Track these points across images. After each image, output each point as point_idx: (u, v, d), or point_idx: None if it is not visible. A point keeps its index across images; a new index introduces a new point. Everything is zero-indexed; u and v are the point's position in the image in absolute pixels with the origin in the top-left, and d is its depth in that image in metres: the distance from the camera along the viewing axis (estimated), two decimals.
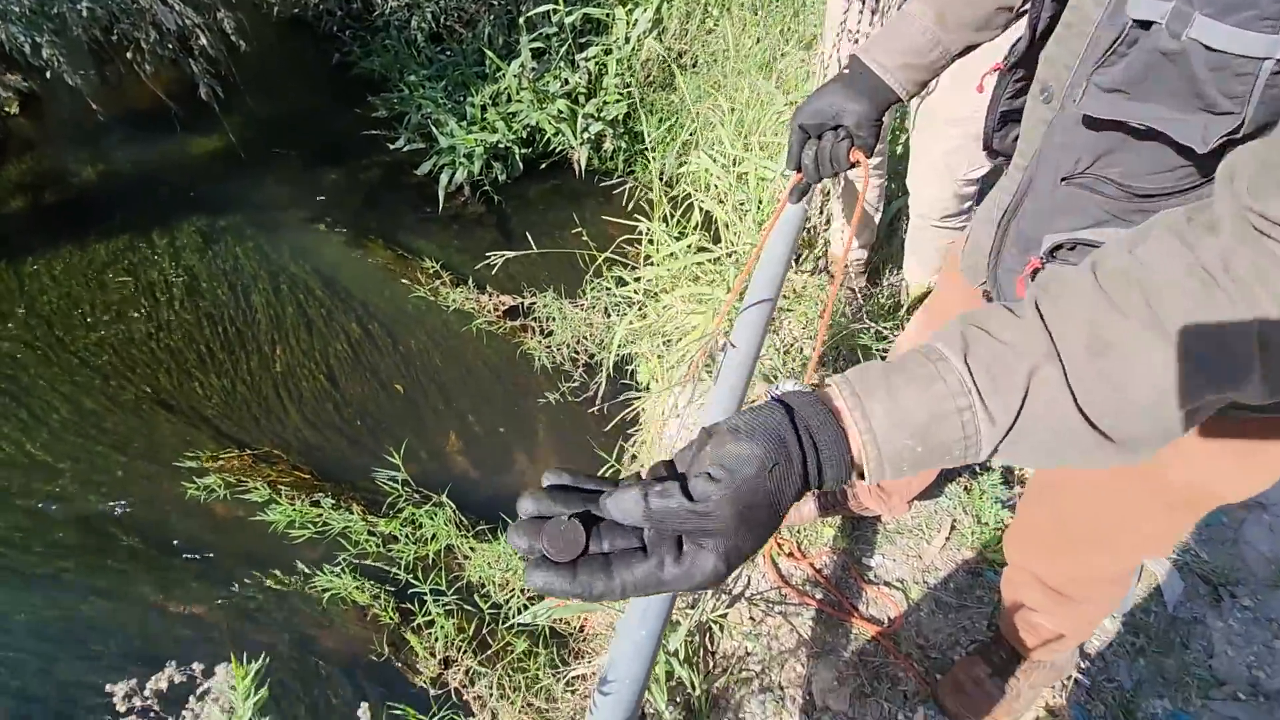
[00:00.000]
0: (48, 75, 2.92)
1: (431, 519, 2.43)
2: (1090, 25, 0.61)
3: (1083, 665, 1.41)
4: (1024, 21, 0.75)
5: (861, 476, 0.48)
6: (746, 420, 0.47)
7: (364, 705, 1.11)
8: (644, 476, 0.49)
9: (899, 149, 2.40)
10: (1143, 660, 1.41)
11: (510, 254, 2.67)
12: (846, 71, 0.96)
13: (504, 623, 2.16)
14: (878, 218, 1.91)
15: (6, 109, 3.88)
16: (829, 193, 1.94)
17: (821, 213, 2.16)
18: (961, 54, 0.94)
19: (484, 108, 3.61)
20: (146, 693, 1.05)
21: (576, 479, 0.48)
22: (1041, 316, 0.46)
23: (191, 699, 0.96)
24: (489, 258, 2.80)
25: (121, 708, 1.01)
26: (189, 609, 2.46)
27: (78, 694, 2.24)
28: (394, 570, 2.34)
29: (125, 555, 2.55)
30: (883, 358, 1.59)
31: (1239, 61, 0.49)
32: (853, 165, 0.98)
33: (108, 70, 3.57)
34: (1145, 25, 0.55)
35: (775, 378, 1.74)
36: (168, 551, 2.56)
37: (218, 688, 1.03)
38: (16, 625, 2.39)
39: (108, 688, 1.02)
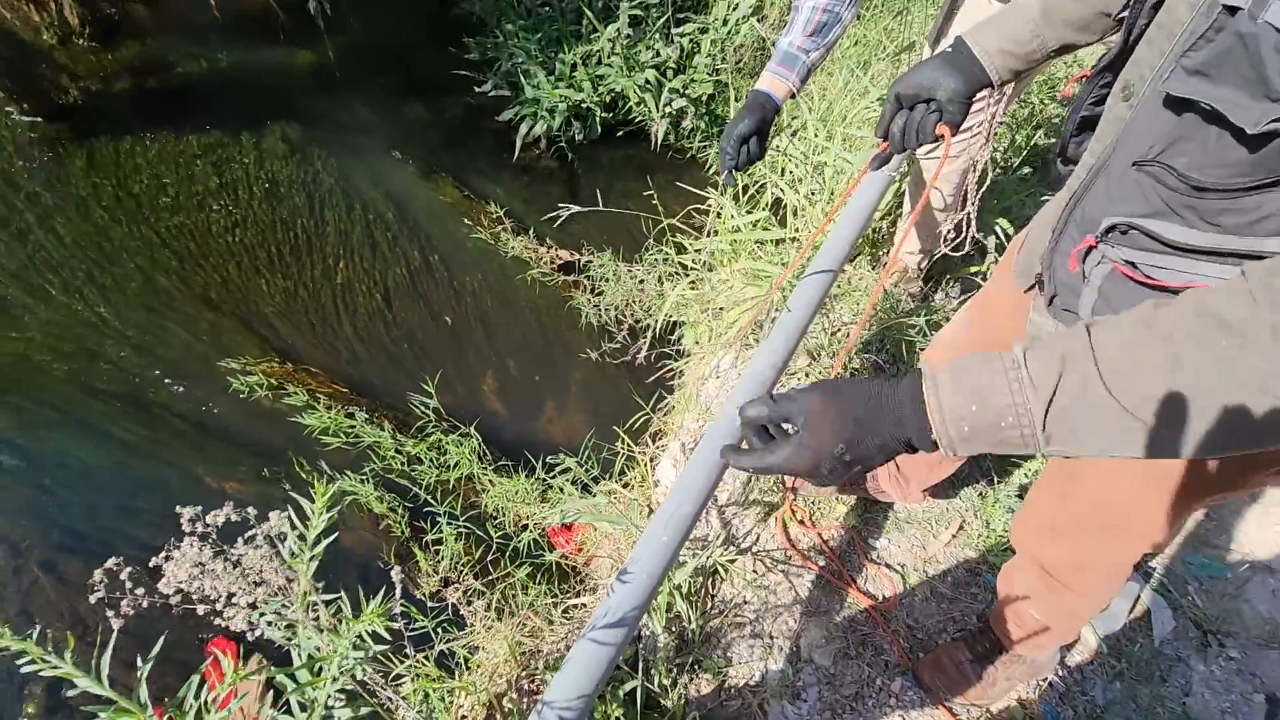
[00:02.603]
0: None
1: (457, 447, 2.54)
2: (1179, 26, 0.66)
3: (1060, 673, 1.46)
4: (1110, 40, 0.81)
5: (936, 446, 0.61)
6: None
7: (395, 569, 1.21)
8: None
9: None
10: (1119, 684, 1.45)
11: (577, 208, 2.75)
12: (950, 50, 1.02)
13: (509, 554, 2.25)
14: (956, 220, 1.95)
15: None
16: (903, 193, 1.98)
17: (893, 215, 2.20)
18: (1059, 51, 0.98)
19: (574, 66, 3.68)
20: (209, 520, 1.16)
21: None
22: (1087, 329, 0.56)
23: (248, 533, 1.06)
24: (557, 210, 2.88)
25: (186, 528, 1.12)
26: (222, 484, 2.62)
27: (114, 540, 2.41)
28: (414, 489, 2.46)
29: (172, 426, 2.71)
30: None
31: None
32: (937, 139, 1.04)
33: None
34: (1232, 11, 0.59)
35: (819, 354, 1.81)
36: (210, 431, 2.72)
37: (272, 527, 1.12)
38: (71, 467, 2.57)
39: (177, 509, 1.13)
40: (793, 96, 1.39)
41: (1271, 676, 1.48)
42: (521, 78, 3.69)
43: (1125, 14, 0.76)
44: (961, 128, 1.18)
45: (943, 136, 1.04)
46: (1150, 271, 0.74)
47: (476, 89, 3.92)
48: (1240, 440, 0.50)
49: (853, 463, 0.64)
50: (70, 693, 0.74)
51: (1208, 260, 0.70)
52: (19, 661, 0.75)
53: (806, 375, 1.81)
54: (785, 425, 0.69)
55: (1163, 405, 0.51)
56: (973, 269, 2.13)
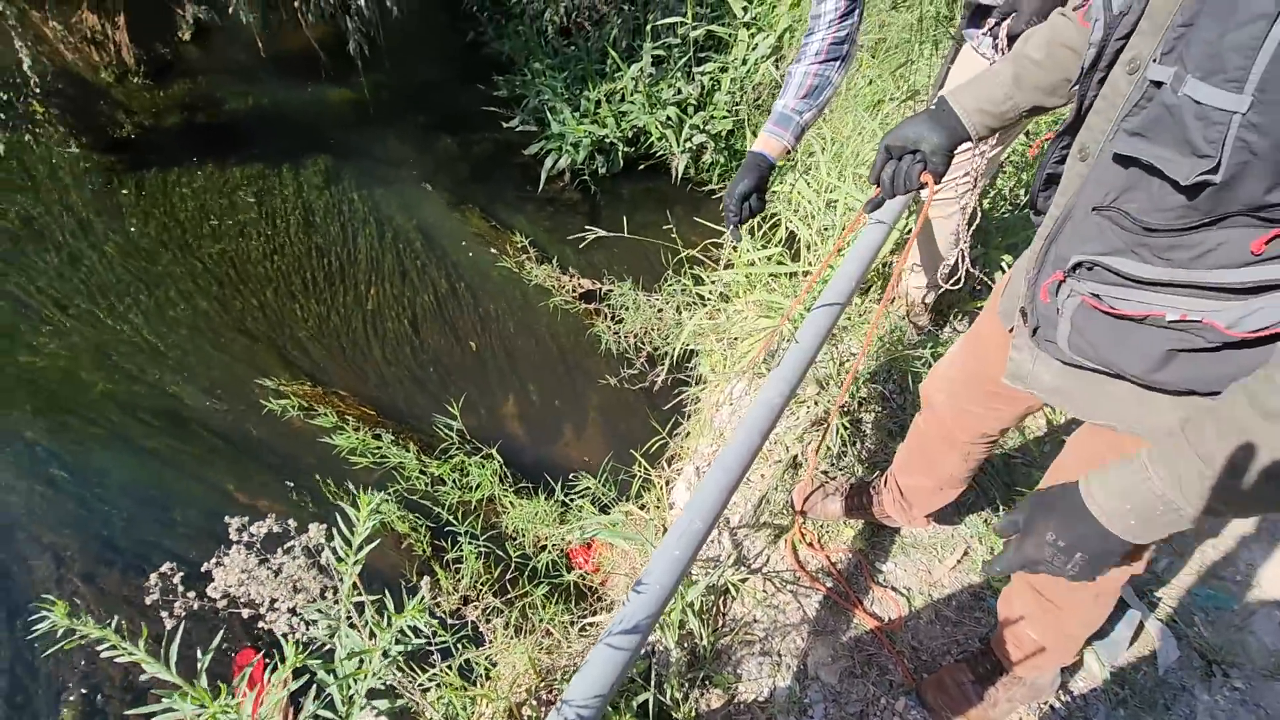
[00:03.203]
0: (229, 11, 3.28)
1: (479, 469, 2.61)
2: (1120, 97, 0.78)
3: (1064, 698, 1.49)
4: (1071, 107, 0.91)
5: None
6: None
7: (425, 579, 1.28)
8: None
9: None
10: (1123, 710, 1.47)
11: (601, 232, 2.85)
12: (933, 108, 1.15)
13: (528, 573, 2.31)
14: (951, 260, 2.02)
15: (181, 35, 4.32)
16: (909, 229, 2.06)
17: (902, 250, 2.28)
18: (1031, 112, 1.10)
19: (598, 103, 3.83)
20: (253, 530, 1.24)
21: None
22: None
23: (290, 543, 1.15)
24: (581, 233, 2.99)
25: (234, 537, 1.20)
26: (254, 501, 2.72)
27: (151, 553, 2.51)
28: (436, 509, 2.54)
29: (208, 443, 2.83)
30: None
31: (1215, 113, 0.64)
32: (921, 186, 1.16)
33: (273, 16, 3.94)
34: (1158, 85, 0.71)
35: (827, 384, 1.88)
36: (243, 450, 2.83)
37: (310, 539, 1.21)
38: (112, 482, 2.69)
39: (225, 519, 1.21)
40: (788, 154, 1.51)
41: (1276, 708, 1.50)
42: (548, 114, 3.86)
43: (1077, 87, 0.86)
44: (945, 177, 1.32)
45: (926, 184, 1.15)
46: (1112, 302, 0.83)
47: (504, 124, 4.09)
48: None
49: (1071, 549, 0.79)
50: (142, 677, 0.82)
51: (1161, 291, 0.79)
52: (99, 648, 0.83)
53: (815, 403, 1.88)
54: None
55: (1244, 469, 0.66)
56: (978, 303, 2.20)
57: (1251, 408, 0.64)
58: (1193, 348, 0.78)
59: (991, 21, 1.56)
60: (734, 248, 2.38)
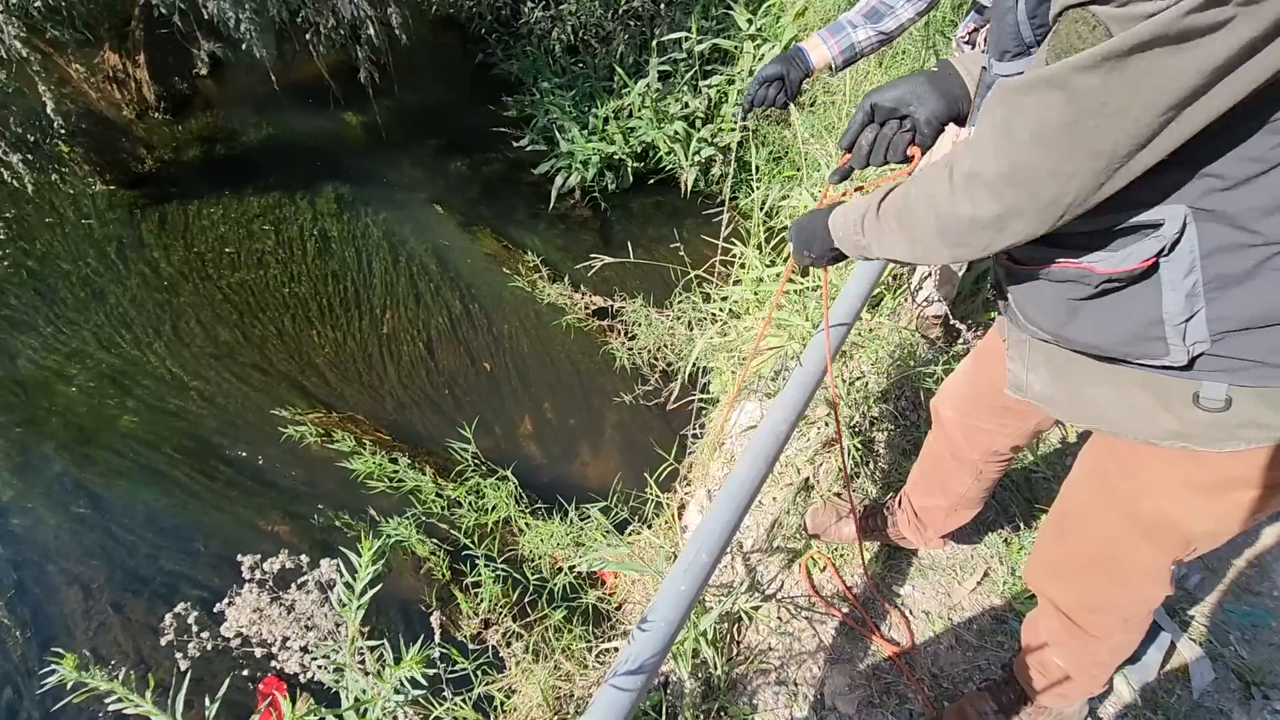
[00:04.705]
0: (242, 46, 3.36)
1: (495, 491, 2.61)
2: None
3: None
4: None
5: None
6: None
7: (435, 614, 1.27)
8: None
9: None
10: None
11: (609, 259, 2.86)
12: (934, 70, 1.00)
13: (546, 596, 2.30)
14: (960, 271, 1.99)
15: (198, 71, 4.43)
16: None
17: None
18: None
19: (606, 120, 3.85)
20: (265, 568, 1.25)
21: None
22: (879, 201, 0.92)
23: (301, 579, 1.15)
24: (589, 259, 3.00)
25: (246, 575, 1.21)
26: (274, 528, 2.75)
27: (176, 582, 2.55)
28: (454, 533, 2.55)
29: (227, 473, 2.87)
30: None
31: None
32: (907, 159, 1.00)
33: (286, 48, 4.03)
34: (987, 69, 0.83)
35: (837, 404, 1.85)
36: (263, 478, 2.87)
37: (323, 574, 1.22)
38: (136, 512, 2.74)
39: (238, 557, 1.22)
40: (830, 70, 1.38)
41: None
42: (557, 133, 3.88)
43: None
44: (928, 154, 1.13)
45: (913, 158, 0.99)
46: (1020, 257, 0.88)
47: (514, 144, 4.13)
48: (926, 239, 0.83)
49: (817, 257, 1.07)
50: None
51: (1047, 246, 0.81)
52: (106, 700, 0.84)
53: (825, 423, 1.86)
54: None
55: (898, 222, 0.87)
56: (991, 315, 2.15)
57: (941, 169, 0.78)
58: (1083, 296, 0.81)
59: (971, 27, 1.51)
60: (743, 265, 2.37)
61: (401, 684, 0.78)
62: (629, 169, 3.89)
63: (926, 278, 2.04)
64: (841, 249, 1.01)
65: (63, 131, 3.41)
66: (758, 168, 3.40)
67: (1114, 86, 0.60)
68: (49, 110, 3.26)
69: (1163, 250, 0.72)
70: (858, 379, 1.94)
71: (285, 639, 1.17)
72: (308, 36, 3.75)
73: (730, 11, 3.69)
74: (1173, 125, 0.61)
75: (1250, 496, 0.82)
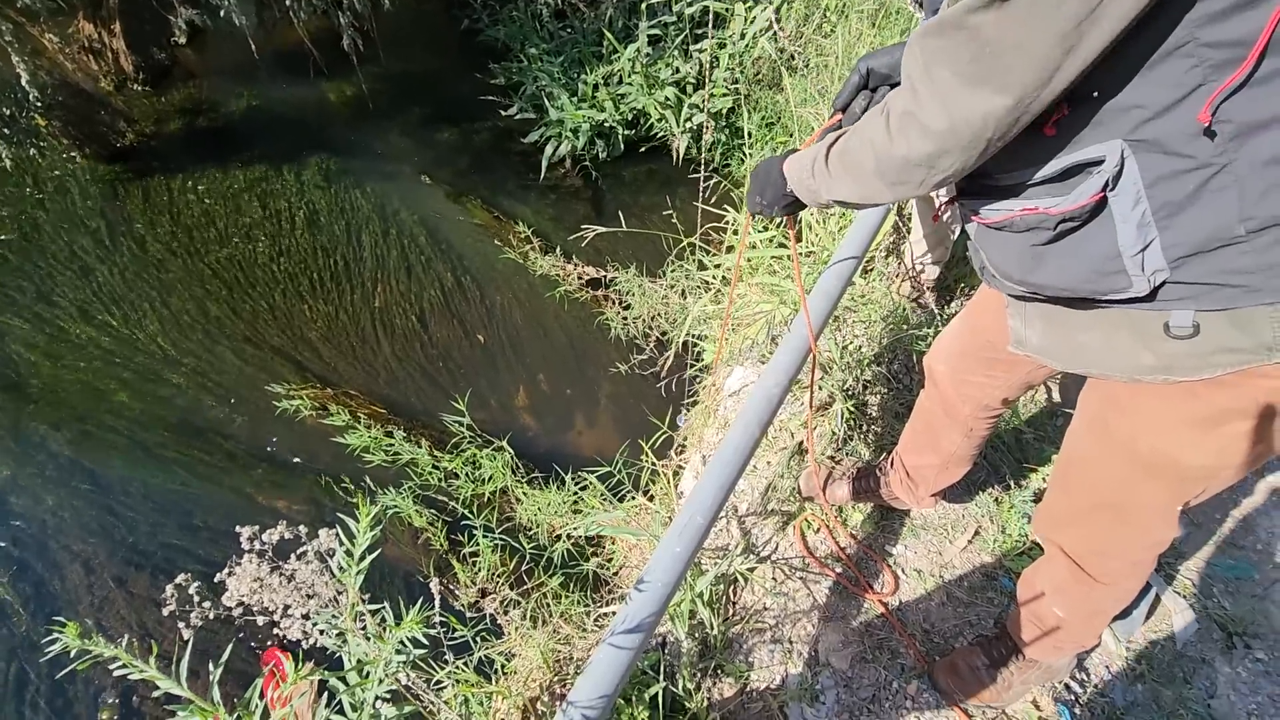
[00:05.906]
0: (220, 13, 3.27)
1: (491, 461, 2.63)
2: None
3: (1078, 675, 1.48)
4: None
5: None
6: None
7: (434, 581, 1.29)
8: None
9: None
10: (1140, 686, 1.46)
11: (601, 229, 2.84)
12: None
13: (544, 563, 2.33)
14: (953, 235, 1.99)
15: (177, 39, 4.32)
16: (910, 216, 2.03)
17: (904, 229, 2.24)
18: None
19: (596, 86, 3.78)
20: (265, 539, 1.26)
21: None
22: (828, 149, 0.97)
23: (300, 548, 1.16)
24: (581, 229, 2.98)
25: (246, 546, 1.22)
26: (272, 502, 2.76)
27: (176, 556, 2.57)
28: (451, 503, 2.56)
29: (224, 447, 2.88)
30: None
31: None
32: None
33: (266, 15, 3.93)
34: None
35: (830, 368, 1.86)
36: (259, 453, 2.87)
37: (322, 544, 1.22)
38: (134, 488, 2.75)
39: (236, 529, 1.22)
40: None
41: None
42: (546, 100, 3.81)
43: None
44: None
45: None
46: (986, 214, 0.91)
47: (503, 113, 4.06)
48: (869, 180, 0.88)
49: (767, 204, 1.14)
50: (154, 693, 0.84)
51: (1007, 197, 0.86)
52: (111, 666, 0.85)
53: (819, 387, 1.87)
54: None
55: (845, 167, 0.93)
56: None
57: (879, 114, 0.83)
58: (1044, 241, 0.84)
59: None
60: (735, 231, 2.35)
61: (403, 644, 0.79)
62: (620, 137, 3.83)
63: (917, 240, 2.03)
64: (796, 193, 1.08)
65: (39, 105, 3.34)
66: (750, 133, 3.35)
67: (1006, 21, 0.64)
68: (24, 82, 3.18)
69: (1107, 184, 0.75)
70: (849, 345, 1.95)
71: (286, 607, 1.19)
72: (288, 2, 3.66)
73: None
74: (1074, 51, 0.64)
75: (1244, 428, 0.83)
